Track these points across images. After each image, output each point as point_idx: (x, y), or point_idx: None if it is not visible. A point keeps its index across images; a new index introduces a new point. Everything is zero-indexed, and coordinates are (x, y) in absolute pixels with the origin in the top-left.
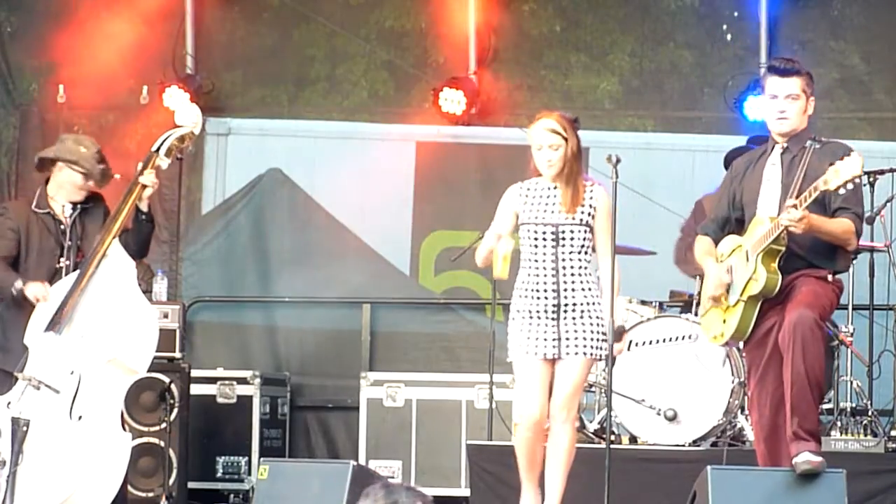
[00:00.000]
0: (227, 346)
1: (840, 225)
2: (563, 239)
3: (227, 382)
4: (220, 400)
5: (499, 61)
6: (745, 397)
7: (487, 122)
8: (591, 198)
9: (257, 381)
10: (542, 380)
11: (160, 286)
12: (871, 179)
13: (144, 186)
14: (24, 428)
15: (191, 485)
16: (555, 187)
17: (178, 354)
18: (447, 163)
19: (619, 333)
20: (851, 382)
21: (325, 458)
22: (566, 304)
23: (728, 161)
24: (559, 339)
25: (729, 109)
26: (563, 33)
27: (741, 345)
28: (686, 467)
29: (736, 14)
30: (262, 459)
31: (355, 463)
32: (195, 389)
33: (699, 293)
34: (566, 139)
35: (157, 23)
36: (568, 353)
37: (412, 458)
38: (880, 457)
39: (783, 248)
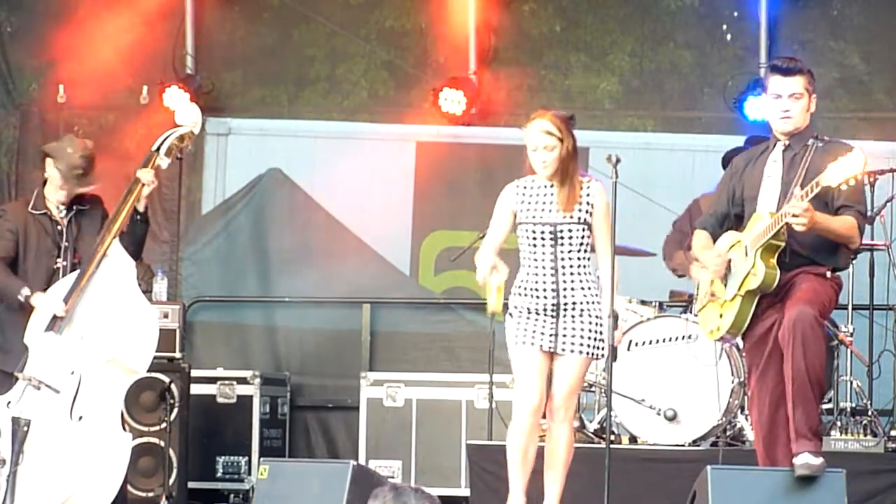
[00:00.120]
0: (227, 346)
1: (844, 223)
2: (562, 238)
3: (227, 382)
4: (220, 400)
5: (499, 61)
6: (745, 397)
7: (487, 122)
8: (588, 195)
9: (257, 380)
10: (541, 369)
11: (160, 286)
12: (871, 179)
13: (143, 185)
14: (25, 428)
15: (191, 485)
16: (551, 185)
17: (178, 354)
18: (447, 163)
19: (613, 319)
20: (851, 382)
21: (325, 458)
22: (565, 304)
23: (726, 162)
24: (556, 334)
25: (729, 109)
26: (563, 33)
27: (741, 344)
28: (686, 467)
29: (736, 14)
30: (262, 459)
31: (355, 463)
32: (195, 389)
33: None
34: (561, 139)
35: (157, 23)
36: (565, 351)
37: (412, 458)
38: (880, 457)
39: (782, 244)
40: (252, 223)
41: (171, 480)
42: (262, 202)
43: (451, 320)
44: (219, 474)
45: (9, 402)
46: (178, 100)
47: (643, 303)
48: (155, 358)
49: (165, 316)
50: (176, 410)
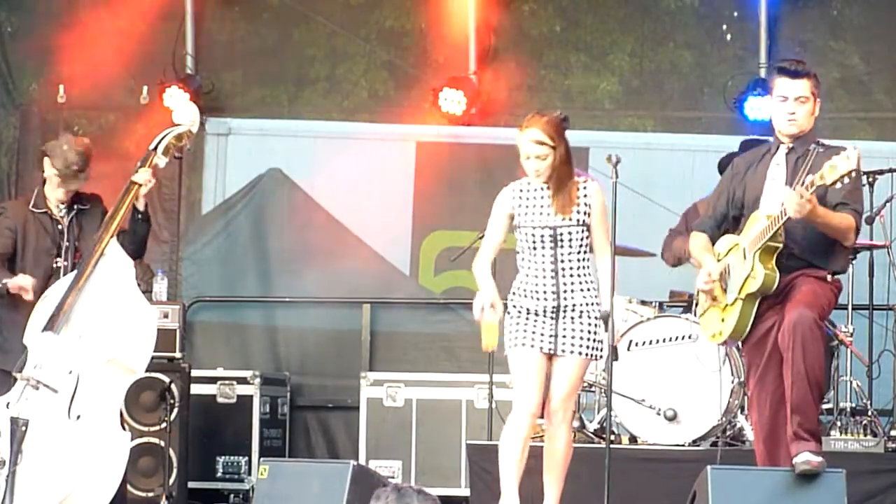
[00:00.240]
0: (227, 346)
1: (842, 219)
2: (562, 240)
3: (227, 382)
4: (220, 400)
5: (499, 61)
6: (745, 397)
7: (487, 122)
8: (585, 195)
9: (257, 380)
10: (539, 371)
11: (160, 286)
12: (871, 179)
13: (139, 186)
14: (23, 428)
15: (191, 485)
16: (548, 188)
17: (178, 354)
18: (447, 163)
19: (605, 319)
20: (851, 382)
21: (325, 458)
22: (565, 306)
23: (721, 166)
24: (556, 335)
25: (729, 109)
26: (563, 33)
27: (740, 344)
28: (686, 467)
29: (736, 14)
30: (262, 459)
31: (355, 463)
32: (195, 389)
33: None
34: (554, 147)
35: (157, 23)
36: (564, 352)
37: (412, 457)
38: (880, 457)
39: (781, 245)
40: (252, 223)
41: (171, 480)
42: (262, 202)
43: (451, 320)
44: (219, 474)
45: (7, 403)
46: (178, 100)
47: (643, 303)
48: (155, 358)
49: (165, 316)
50: (176, 410)
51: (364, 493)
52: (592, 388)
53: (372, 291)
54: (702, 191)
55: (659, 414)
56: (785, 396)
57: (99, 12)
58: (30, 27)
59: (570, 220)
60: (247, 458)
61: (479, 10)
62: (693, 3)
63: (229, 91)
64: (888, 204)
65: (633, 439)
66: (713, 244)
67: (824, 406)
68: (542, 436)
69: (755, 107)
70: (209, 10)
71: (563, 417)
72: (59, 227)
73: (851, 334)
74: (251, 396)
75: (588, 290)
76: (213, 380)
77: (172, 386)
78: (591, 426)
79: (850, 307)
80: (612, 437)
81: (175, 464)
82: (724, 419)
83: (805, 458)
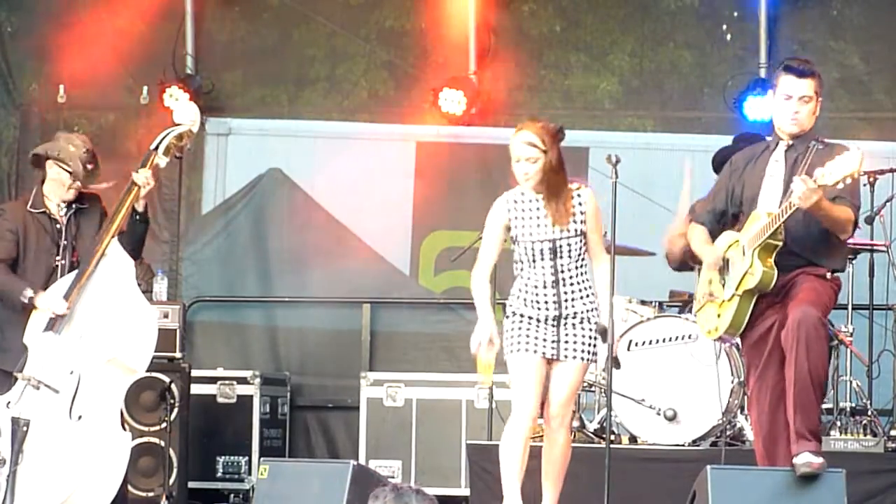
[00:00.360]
0: (227, 346)
1: (843, 212)
2: (561, 252)
3: (227, 382)
4: (220, 400)
5: (499, 61)
6: (745, 397)
7: (487, 122)
8: (580, 203)
9: (257, 380)
10: (541, 375)
11: (160, 286)
12: (871, 179)
13: (139, 187)
14: (24, 428)
15: (191, 484)
16: (541, 197)
17: (178, 354)
18: (447, 163)
19: (602, 333)
20: (851, 382)
21: (325, 458)
22: (566, 314)
23: (716, 162)
24: (558, 340)
25: (729, 109)
26: (563, 33)
27: (740, 344)
28: (686, 467)
29: (736, 14)
30: (262, 459)
31: (355, 463)
32: (195, 389)
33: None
34: (545, 151)
35: (157, 23)
36: (566, 357)
37: (412, 457)
38: (880, 457)
39: (780, 243)
40: (252, 223)
41: (172, 480)
42: (262, 202)
43: (451, 320)
44: (219, 474)
45: (8, 402)
46: (178, 100)
47: (643, 303)
48: (155, 358)
49: (165, 316)
50: (176, 410)
51: (364, 493)
52: (592, 388)
53: (372, 291)
54: (701, 191)
55: (659, 414)
56: (784, 394)
57: (99, 12)
58: (30, 27)
59: (569, 230)
60: (247, 458)
61: (478, 11)
62: (693, 3)
63: (229, 91)
64: (888, 204)
65: (633, 439)
66: (712, 239)
67: (824, 406)
68: (541, 435)
69: (755, 107)
70: (209, 10)
71: (562, 422)
72: (58, 226)
73: (851, 334)
74: (251, 396)
75: (587, 296)
76: (213, 380)
77: (172, 386)
78: (591, 426)
79: (849, 307)
80: (612, 437)
81: (175, 464)
82: (724, 419)
83: (805, 459)
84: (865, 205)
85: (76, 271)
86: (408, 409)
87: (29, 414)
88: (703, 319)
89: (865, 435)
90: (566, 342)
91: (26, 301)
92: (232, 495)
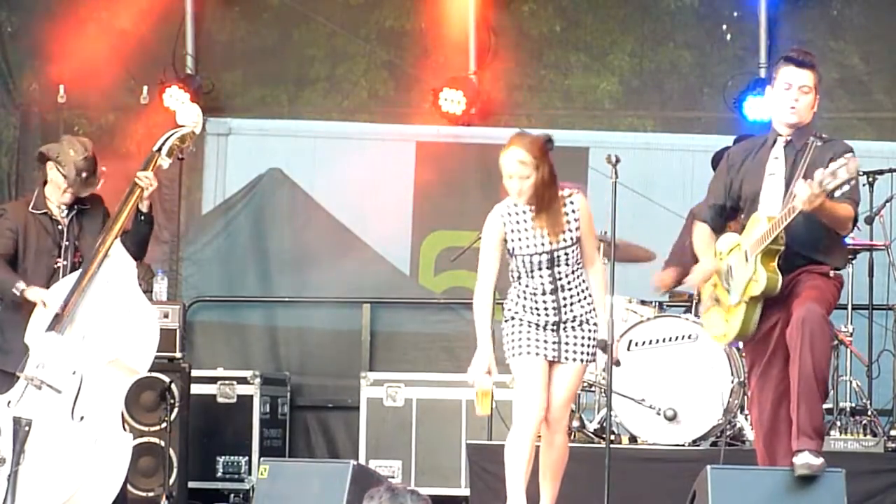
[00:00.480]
0: (227, 346)
1: (844, 209)
2: (559, 261)
3: (227, 382)
4: (220, 400)
5: (499, 61)
6: (745, 397)
7: (487, 122)
8: (573, 210)
9: (257, 380)
10: (544, 379)
11: (160, 286)
12: (871, 179)
13: (142, 188)
14: (26, 428)
15: (191, 484)
16: (532, 209)
17: (178, 354)
18: (447, 163)
19: (603, 348)
20: (851, 382)
21: (325, 458)
22: (566, 319)
23: (715, 162)
24: (559, 343)
25: (728, 109)
26: (563, 33)
27: (740, 344)
28: (686, 467)
29: (736, 14)
30: (262, 459)
31: (355, 463)
32: (195, 389)
33: (699, 292)
34: (536, 167)
35: (157, 23)
36: (567, 359)
37: (412, 457)
38: (880, 457)
39: (782, 248)
40: (252, 223)
41: (172, 480)
42: (262, 202)
43: (451, 320)
44: (219, 474)
45: (10, 402)
46: (178, 100)
47: (643, 303)
48: (155, 358)
49: (165, 316)
50: (176, 410)
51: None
52: (592, 388)
53: (372, 291)
54: (701, 191)
55: (659, 414)
56: (786, 393)
57: (99, 12)
58: (30, 27)
59: (565, 240)
60: (247, 458)
61: (478, 11)
62: (693, 3)
63: (229, 91)
64: (888, 204)
65: (633, 439)
66: (716, 235)
67: (824, 406)
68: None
69: (755, 107)
70: (209, 10)
71: (560, 423)
72: (60, 226)
73: (851, 334)
74: (251, 396)
75: (585, 299)
76: (213, 380)
77: (172, 386)
78: (591, 426)
79: (849, 307)
80: (612, 437)
81: (175, 464)
82: (724, 419)
83: (805, 459)
84: (865, 205)
85: (78, 271)
86: (408, 409)
87: (31, 414)
88: (709, 324)
89: (865, 435)
90: (566, 344)
91: (18, 294)
92: (232, 495)
